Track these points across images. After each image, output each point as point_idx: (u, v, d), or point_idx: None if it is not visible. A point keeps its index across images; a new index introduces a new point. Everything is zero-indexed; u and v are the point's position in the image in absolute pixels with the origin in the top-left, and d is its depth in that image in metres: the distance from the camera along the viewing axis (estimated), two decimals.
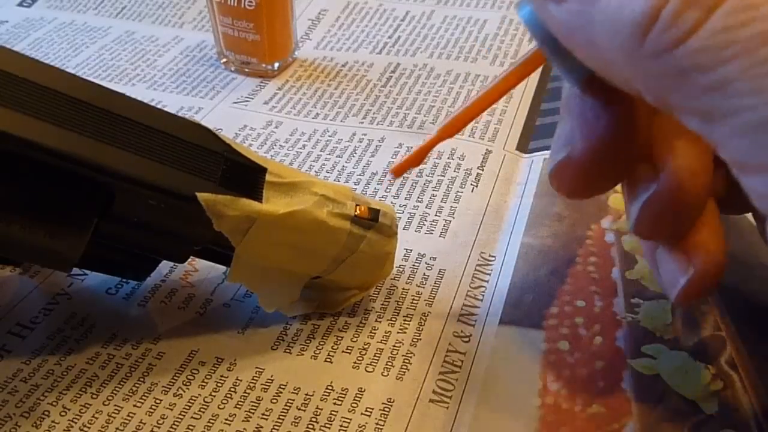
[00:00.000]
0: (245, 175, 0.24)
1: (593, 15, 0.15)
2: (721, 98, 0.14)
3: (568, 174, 0.21)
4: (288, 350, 0.26)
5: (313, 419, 0.24)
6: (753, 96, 0.13)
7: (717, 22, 0.14)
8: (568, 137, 0.21)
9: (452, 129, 0.22)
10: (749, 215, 0.29)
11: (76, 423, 0.23)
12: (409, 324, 0.27)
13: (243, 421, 0.23)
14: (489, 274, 0.29)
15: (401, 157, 0.24)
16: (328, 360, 0.26)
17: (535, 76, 0.42)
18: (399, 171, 0.24)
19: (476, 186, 0.34)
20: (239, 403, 0.24)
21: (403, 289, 0.28)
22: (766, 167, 0.14)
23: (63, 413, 0.24)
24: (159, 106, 0.38)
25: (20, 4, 0.49)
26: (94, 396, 0.24)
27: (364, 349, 0.26)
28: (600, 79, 0.18)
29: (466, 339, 0.26)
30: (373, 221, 0.25)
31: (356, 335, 0.26)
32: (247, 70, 0.42)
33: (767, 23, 0.13)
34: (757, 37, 0.13)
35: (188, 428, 0.23)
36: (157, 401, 0.24)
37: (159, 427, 0.23)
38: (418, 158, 0.23)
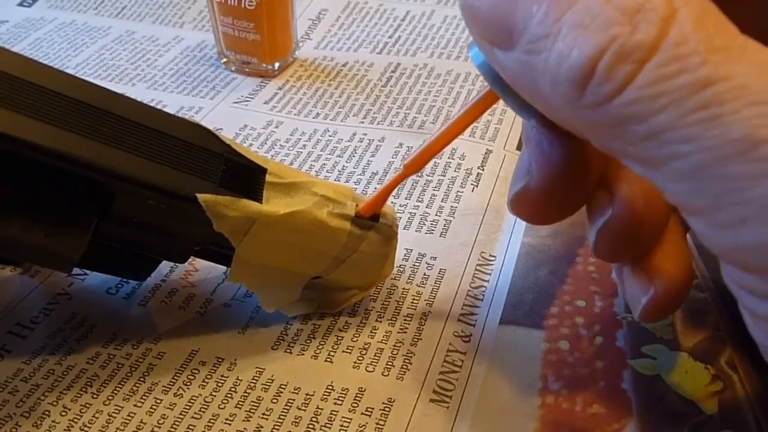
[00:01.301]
0: (245, 176, 0.24)
1: (536, 66, 0.16)
2: (657, 146, 0.14)
3: (527, 203, 0.22)
4: (288, 350, 0.26)
5: (314, 419, 0.24)
6: (685, 144, 0.14)
7: (648, 75, 0.14)
8: (526, 167, 0.21)
9: (418, 164, 0.24)
10: None
11: (76, 423, 0.23)
12: (409, 324, 0.27)
13: (243, 420, 0.24)
14: (489, 274, 0.29)
15: (368, 199, 0.25)
16: (329, 360, 0.26)
17: None
18: (368, 209, 0.25)
19: (476, 186, 0.34)
20: (240, 402, 0.24)
21: (404, 289, 0.28)
22: (702, 211, 0.14)
23: (63, 413, 0.24)
24: (159, 106, 0.38)
25: (20, 4, 0.49)
26: (95, 396, 0.24)
27: (365, 348, 0.26)
28: None
29: (466, 339, 0.26)
30: (374, 221, 0.25)
31: (356, 335, 0.26)
32: (247, 70, 0.42)
33: (694, 74, 0.14)
34: (686, 88, 0.14)
35: (189, 428, 0.23)
36: (158, 401, 0.24)
37: (159, 427, 0.23)
38: (385, 195, 0.25)
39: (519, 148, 0.36)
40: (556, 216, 0.23)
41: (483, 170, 0.35)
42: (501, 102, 0.38)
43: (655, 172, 0.15)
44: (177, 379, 0.25)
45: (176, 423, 0.23)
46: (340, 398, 0.24)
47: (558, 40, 0.15)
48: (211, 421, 0.23)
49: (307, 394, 0.24)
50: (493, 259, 0.30)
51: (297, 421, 0.24)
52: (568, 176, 0.21)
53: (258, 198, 0.24)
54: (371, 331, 0.27)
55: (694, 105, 0.14)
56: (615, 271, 0.24)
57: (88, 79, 0.23)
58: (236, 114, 0.39)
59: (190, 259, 0.28)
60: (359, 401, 0.24)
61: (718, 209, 0.14)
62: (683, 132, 0.14)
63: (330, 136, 0.37)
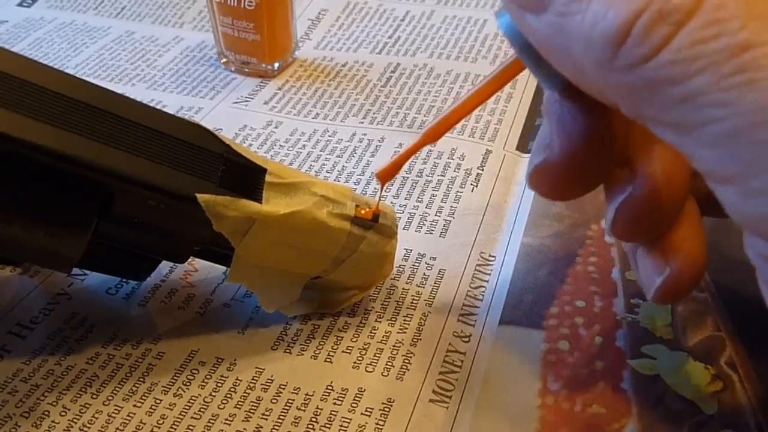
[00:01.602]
0: (245, 176, 0.24)
1: (569, 28, 0.16)
2: (691, 110, 0.14)
3: (546, 177, 0.22)
4: (288, 350, 0.26)
5: (313, 419, 0.24)
6: (720, 108, 0.14)
7: (686, 37, 0.14)
8: (546, 140, 0.21)
9: (437, 132, 0.23)
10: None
11: (76, 423, 0.23)
12: (409, 324, 0.27)
13: (243, 421, 0.24)
14: (489, 274, 0.29)
15: (386, 162, 0.24)
16: (328, 360, 0.26)
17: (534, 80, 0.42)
18: (386, 175, 0.24)
19: (476, 186, 0.34)
20: (239, 403, 0.24)
21: (403, 289, 0.28)
22: (734, 178, 0.14)
23: (63, 413, 0.24)
24: (159, 106, 0.38)
25: (20, 4, 0.49)
26: (94, 396, 0.24)
27: (364, 349, 0.26)
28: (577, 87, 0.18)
29: (466, 339, 0.26)
30: (373, 221, 0.25)
31: (356, 335, 0.26)
32: (247, 70, 0.42)
33: (733, 38, 0.14)
34: (724, 51, 0.14)
35: (188, 428, 0.23)
36: (157, 401, 0.24)
37: (159, 427, 0.23)
38: (403, 160, 0.24)
39: (519, 148, 0.36)
40: (574, 191, 0.22)
41: (483, 170, 0.35)
42: (501, 102, 0.38)
43: (687, 138, 0.15)
44: (176, 380, 0.25)
45: (176, 423, 0.23)
46: (340, 398, 0.24)
47: (593, 1, 0.15)
48: (211, 421, 0.23)
49: (306, 395, 0.24)
50: (493, 259, 0.30)
51: (296, 421, 0.24)
52: (589, 150, 0.20)
53: (258, 198, 0.24)
54: (371, 331, 0.27)
55: (731, 69, 0.14)
56: (628, 253, 0.24)
57: (87, 79, 0.23)
58: (236, 114, 0.39)
59: (189, 259, 0.28)
60: (359, 401, 0.24)
61: (751, 176, 0.14)
62: (719, 96, 0.14)
63: (330, 136, 0.37)
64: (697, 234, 0.22)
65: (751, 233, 0.15)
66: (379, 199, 0.26)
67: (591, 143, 0.20)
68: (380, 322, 0.27)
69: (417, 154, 0.35)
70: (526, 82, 0.41)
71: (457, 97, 0.40)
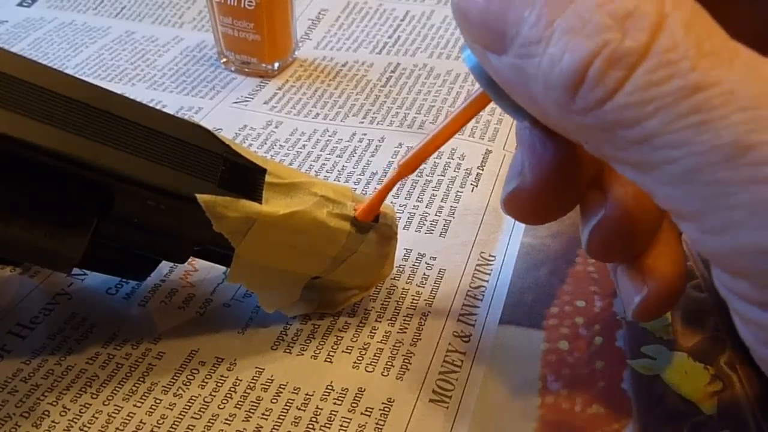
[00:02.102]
0: (245, 176, 0.24)
1: (528, 69, 0.16)
2: (648, 151, 0.14)
3: (520, 203, 0.22)
4: (288, 350, 0.26)
5: (313, 419, 0.24)
6: (676, 149, 0.14)
7: (639, 80, 0.14)
8: (518, 168, 0.21)
9: (412, 166, 0.24)
10: None
11: (76, 423, 0.23)
12: (409, 324, 0.27)
13: (243, 421, 0.24)
14: (489, 274, 0.29)
15: (365, 203, 0.25)
16: (328, 360, 0.26)
17: None
18: (366, 214, 0.25)
19: (476, 186, 0.34)
20: (239, 402, 0.24)
21: (403, 288, 0.28)
22: (694, 216, 0.14)
23: (63, 413, 0.24)
24: (159, 106, 0.38)
25: (20, 4, 0.49)
26: (94, 396, 0.24)
27: (364, 348, 0.26)
28: None
29: (466, 339, 0.26)
30: (373, 222, 0.25)
31: (356, 335, 0.26)
32: (247, 70, 0.42)
33: (685, 79, 0.14)
34: (677, 93, 0.14)
35: (188, 428, 0.23)
36: (157, 401, 0.24)
37: (159, 427, 0.23)
38: (380, 198, 0.25)
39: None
40: (548, 216, 0.23)
41: (483, 170, 0.35)
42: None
43: (646, 177, 0.15)
44: (176, 379, 0.25)
45: (176, 423, 0.23)
46: (340, 398, 0.24)
47: (550, 44, 0.15)
48: (211, 421, 0.24)
49: (306, 394, 0.24)
50: (493, 259, 0.30)
51: (296, 421, 0.24)
52: (560, 176, 0.21)
53: (257, 198, 0.24)
54: (371, 331, 0.27)
55: (684, 110, 0.14)
56: (610, 270, 0.24)
57: (87, 79, 0.23)
58: (236, 114, 0.39)
59: (189, 259, 0.28)
60: (359, 401, 0.24)
61: (708, 214, 0.14)
62: (673, 137, 0.14)
63: (330, 136, 0.37)
64: (674, 252, 0.22)
65: (715, 267, 0.15)
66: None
67: (562, 169, 0.21)
68: (380, 322, 0.27)
69: None
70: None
71: (457, 96, 0.40)
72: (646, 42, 0.14)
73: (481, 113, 0.37)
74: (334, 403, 0.24)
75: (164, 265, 0.28)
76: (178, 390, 0.24)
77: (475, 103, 0.21)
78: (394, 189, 0.33)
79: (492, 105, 0.21)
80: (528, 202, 0.22)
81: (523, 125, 0.21)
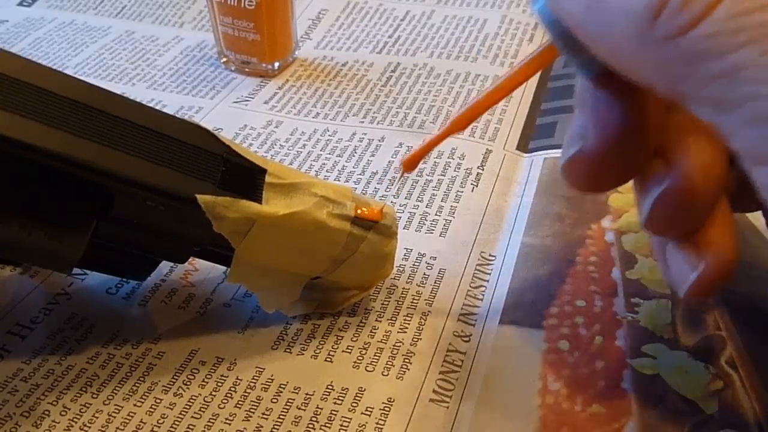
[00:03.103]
0: (245, 177, 0.24)
1: (606, 2, 0.15)
2: (732, 86, 0.14)
3: (581, 168, 0.21)
4: (288, 350, 0.26)
5: (313, 419, 0.24)
6: (764, 84, 0.13)
7: (727, 8, 0.13)
8: (581, 131, 0.21)
9: (466, 120, 0.23)
10: (750, 215, 0.29)
11: (76, 422, 0.23)
12: (409, 324, 0.27)
13: (243, 420, 0.24)
14: (489, 274, 0.29)
15: (410, 151, 0.24)
16: (329, 360, 0.26)
17: (535, 76, 0.42)
18: (410, 163, 0.24)
19: (476, 186, 0.34)
20: (239, 402, 0.24)
21: (404, 288, 0.28)
22: None
23: (63, 413, 0.24)
24: (159, 106, 0.38)
25: (20, 4, 0.49)
26: (95, 396, 0.24)
27: (364, 348, 0.26)
28: (613, 73, 0.18)
29: (466, 339, 0.26)
30: (373, 222, 0.25)
31: (356, 335, 0.26)
32: (247, 69, 0.42)
33: None
34: None
35: (188, 428, 0.23)
36: (158, 401, 0.24)
37: (159, 427, 0.23)
38: (429, 148, 0.24)
39: (519, 148, 0.36)
40: (609, 182, 0.22)
41: (483, 170, 0.35)
42: (501, 102, 0.37)
43: (726, 116, 0.14)
44: (177, 379, 0.25)
45: (176, 423, 0.23)
46: (340, 398, 0.24)
47: None
48: (211, 420, 0.24)
49: (306, 394, 0.24)
50: (493, 258, 0.30)
51: (297, 420, 0.24)
52: (625, 140, 0.20)
53: (258, 199, 0.24)
54: (371, 331, 0.27)
55: None
56: (656, 247, 0.23)
57: (87, 79, 0.23)
58: (236, 114, 0.39)
59: (189, 259, 0.28)
60: (359, 401, 0.24)
61: None
62: (762, 71, 0.13)
63: (330, 135, 0.37)
64: (730, 228, 0.21)
65: None
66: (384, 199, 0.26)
67: (627, 133, 0.20)
68: (380, 322, 0.27)
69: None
70: (527, 82, 0.41)
71: (458, 96, 0.40)
72: None
73: (494, 105, 0.36)
74: (334, 403, 0.24)
75: (164, 265, 0.28)
76: (178, 390, 0.24)
77: (541, 55, 0.20)
78: (394, 189, 0.33)
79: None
80: (590, 168, 0.21)
81: (585, 87, 0.20)
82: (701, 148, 0.20)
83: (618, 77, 0.18)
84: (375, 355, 0.26)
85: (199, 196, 0.22)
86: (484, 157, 0.35)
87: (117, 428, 0.23)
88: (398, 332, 0.27)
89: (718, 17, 0.14)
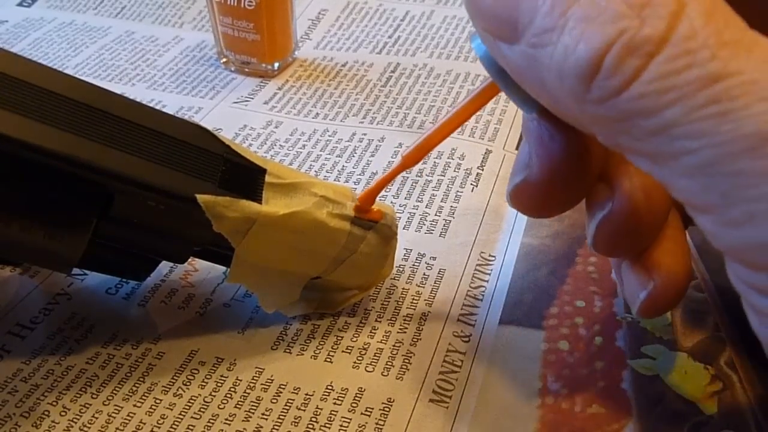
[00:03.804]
0: (245, 176, 0.24)
1: (541, 59, 0.15)
2: (665, 142, 0.14)
3: (527, 196, 0.22)
4: (288, 350, 0.26)
5: (313, 419, 0.24)
6: (694, 140, 0.14)
7: (656, 69, 0.14)
8: (525, 160, 0.21)
9: (415, 157, 0.23)
10: None
11: (76, 423, 0.23)
12: (409, 324, 0.27)
13: (243, 420, 0.24)
14: (489, 274, 0.29)
15: (363, 189, 0.25)
16: (328, 360, 0.26)
17: None
18: (366, 200, 0.25)
19: (476, 186, 0.34)
20: (239, 402, 0.24)
21: (403, 289, 0.28)
22: (712, 208, 0.14)
23: (63, 413, 0.24)
24: (159, 106, 0.38)
25: (20, 4, 0.49)
26: (94, 396, 0.24)
27: (364, 348, 0.26)
28: None
29: (466, 339, 0.26)
30: (374, 222, 0.25)
31: (356, 335, 0.26)
32: (247, 70, 0.42)
33: (704, 68, 0.14)
34: (696, 83, 0.14)
35: (188, 428, 0.23)
36: (157, 401, 0.24)
37: (159, 427, 0.23)
38: (379, 188, 0.25)
39: (519, 148, 0.36)
40: (555, 209, 0.22)
41: (483, 170, 0.35)
42: (501, 101, 0.37)
43: (663, 168, 0.15)
44: (176, 379, 0.25)
45: (176, 423, 0.23)
46: (340, 398, 0.24)
47: (564, 33, 0.15)
48: (211, 421, 0.23)
49: (306, 394, 0.24)
50: (493, 259, 0.30)
51: (296, 421, 0.24)
52: (568, 168, 0.21)
53: (257, 198, 0.24)
54: (371, 331, 0.27)
55: (704, 100, 0.14)
56: (613, 267, 0.24)
57: (87, 79, 0.23)
58: (236, 114, 0.39)
59: (189, 259, 0.28)
60: (359, 401, 0.24)
61: (727, 206, 0.14)
62: (693, 127, 0.14)
63: (329, 136, 0.37)
64: (680, 247, 0.22)
65: (731, 261, 0.15)
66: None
67: (570, 161, 0.20)
68: (380, 322, 0.27)
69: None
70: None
71: (457, 96, 0.40)
72: (665, 30, 0.14)
73: (480, 113, 0.37)
74: (334, 403, 0.24)
75: (164, 265, 0.28)
76: (178, 390, 0.24)
77: (483, 93, 0.21)
78: (394, 189, 0.33)
79: (492, 104, 0.21)
80: (535, 195, 0.21)
81: (530, 117, 0.21)
82: (642, 172, 0.21)
83: None
84: (375, 356, 0.26)
85: (198, 196, 0.22)
86: (484, 157, 0.35)
87: (117, 428, 0.23)
88: (398, 332, 0.27)
89: (648, 79, 0.14)
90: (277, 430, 0.23)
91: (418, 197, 0.33)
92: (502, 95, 0.20)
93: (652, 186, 0.21)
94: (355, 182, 0.34)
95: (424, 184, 0.34)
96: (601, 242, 0.22)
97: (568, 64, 0.15)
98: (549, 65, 0.15)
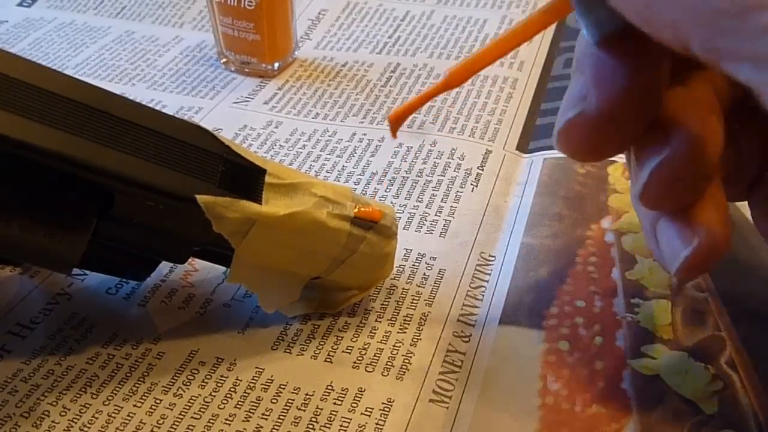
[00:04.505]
0: (245, 177, 0.24)
1: None
2: None
3: (579, 132, 0.21)
4: (288, 350, 0.26)
5: (313, 419, 0.24)
6: None
7: None
8: (580, 95, 0.20)
9: (464, 74, 0.21)
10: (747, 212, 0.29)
11: (76, 423, 0.23)
12: (409, 324, 0.27)
13: (243, 421, 0.24)
14: (489, 274, 0.29)
15: (400, 105, 0.23)
16: (328, 360, 0.26)
17: (535, 75, 0.42)
18: (398, 118, 0.23)
19: (476, 186, 0.34)
20: (239, 403, 0.24)
21: (403, 289, 0.28)
22: None
23: (63, 413, 0.24)
24: (159, 107, 0.38)
25: (20, 4, 0.49)
26: (94, 396, 0.24)
27: (364, 349, 0.26)
28: (620, 35, 0.17)
29: (466, 339, 0.26)
30: (373, 222, 0.25)
31: (356, 335, 0.26)
32: (247, 70, 0.42)
33: None
34: None
35: (188, 428, 0.23)
36: (157, 401, 0.24)
37: (159, 427, 0.23)
38: (421, 102, 0.22)
39: (519, 148, 0.36)
40: (606, 149, 0.21)
41: (483, 170, 0.35)
42: (500, 102, 0.37)
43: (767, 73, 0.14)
44: (176, 380, 0.25)
45: (176, 423, 0.23)
46: (340, 398, 0.24)
47: None
48: (211, 421, 0.23)
49: (306, 395, 0.24)
50: (493, 259, 0.30)
51: (296, 421, 0.24)
52: (628, 104, 0.19)
53: (257, 199, 0.24)
54: (371, 332, 0.27)
55: None
56: (646, 224, 0.22)
57: (87, 79, 0.23)
58: (236, 114, 0.39)
59: (189, 260, 0.28)
60: (359, 401, 0.24)
61: None
62: None
63: (330, 136, 0.37)
64: (723, 207, 0.21)
65: None
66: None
67: (630, 96, 0.19)
68: (380, 322, 0.27)
69: (418, 152, 0.35)
70: (527, 82, 0.41)
71: (457, 96, 0.40)
72: None
73: (480, 113, 0.36)
74: (334, 403, 0.24)
75: (164, 265, 0.28)
76: (178, 390, 0.24)
77: (550, 10, 0.19)
78: (394, 189, 0.33)
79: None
80: (588, 132, 0.20)
81: (588, 50, 0.20)
82: (702, 121, 0.20)
83: (624, 39, 0.17)
84: (375, 356, 0.26)
85: (198, 196, 0.22)
86: (484, 158, 0.35)
87: (117, 428, 0.23)
88: (398, 332, 0.27)
89: None
90: (277, 430, 0.23)
91: (418, 197, 0.33)
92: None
93: (710, 135, 0.20)
94: (355, 182, 0.34)
95: (424, 184, 0.34)
96: (651, 190, 0.20)
97: None
98: None
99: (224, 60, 0.42)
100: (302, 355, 0.26)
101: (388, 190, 0.33)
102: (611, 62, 0.19)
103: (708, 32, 0.14)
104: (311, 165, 0.35)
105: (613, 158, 0.32)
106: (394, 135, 0.23)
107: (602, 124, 0.20)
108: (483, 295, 0.28)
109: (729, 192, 0.24)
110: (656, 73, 0.19)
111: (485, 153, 0.36)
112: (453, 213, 0.32)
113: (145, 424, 0.23)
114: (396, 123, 0.22)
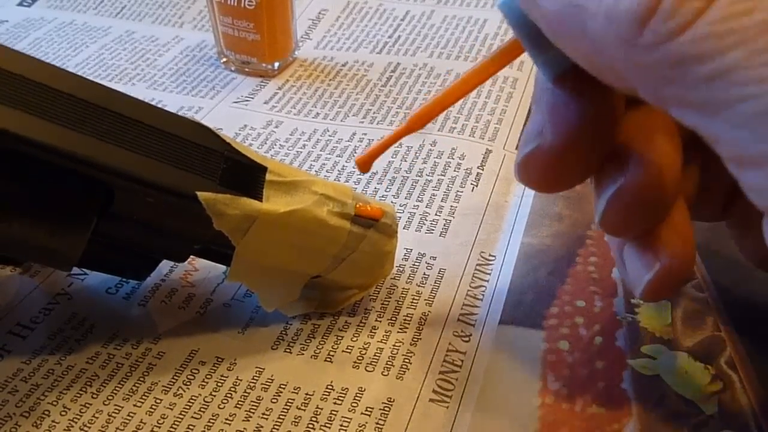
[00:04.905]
0: (245, 174, 0.24)
1: (586, 5, 0.15)
2: (721, 89, 0.14)
3: (537, 165, 0.21)
4: (288, 350, 0.26)
5: (313, 419, 0.24)
6: (754, 85, 0.13)
7: (718, 12, 0.14)
8: (537, 129, 0.20)
9: (422, 120, 0.22)
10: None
11: (76, 422, 0.23)
12: (409, 323, 0.27)
13: (243, 420, 0.24)
14: (489, 274, 0.29)
15: (365, 150, 0.23)
16: (328, 360, 0.26)
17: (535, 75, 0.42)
18: (365, 162, 0.23)
19: (476, 185, 0.34)
20: (239, 402, 0.24)
21: (403, 288, 0.28)
22: (763, 160, 0.14)
23: (63, 413, 0.24)
24: (159, 106, 0.38)
25: (20, 4, 0.49)
26: (95, 396, 0.24)
27: (364, 348, 0.26)
28: (574, 73, 0.18)
29: (466, 339, 0.26)
30: (374, 220, 0.25)
31: (356, 335, 0.26)
32: (247, 69, 0.42)
33: (767, 12, 0.13)
34: (759, 26, 0.13)
35: (188, 428, 0.23)
36: (158, 401, 0.24)
37: (159, 427, 0.23)
38: (385, 147, 0.23)
39: (518, 148, 0.36)
40: (564, 181, 0.22)
41: (483, 170, 0.35)
42: (500, 102, 0.37)
43: (712, 119, 0.14)
44: (177, 379, 0.25)
45: (176, 423, 0.23)
46: (340, 398, 0.24)
47: None
48: (211, 420, 0.23)
49: (306, 394, 0.24)
50: (493, 258, 0.30)
51: (297, 420, 0.24)
52: (583, 137, 0.20)
53: (258, 196, 0.24)
54: (371, 331, 0.27)
55: (766, 44, 0.13)
56: (614, 250, 0.23)
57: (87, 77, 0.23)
58: (236, 114, 0.39)
59: (190, 259, 0.28)
60: (359, 401, 0.24)
61: None
62: (753, 72, 0.13)
63: (330, 135, 0.37)
64: (686, 228, 0.21)
65: None
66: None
67: (585, 130, 0.20)
68: (380, 321, 0.27)
69: (418, 152, 0.35)
70: (526, 82, 0.41)
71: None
72: None
73: (480, 113, 0.37)
74: (334, 403, 0.24)
75: (164, 265, 0.28)
76: (178, 390, 0.24)
77: (503, 53, 0.20)
78: (394, 189, 0.33)
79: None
80: (546, 166, 0.21)
81: (544, 86, 0.20)
82: (658, 146, 0.20)
83: (578, 77, 0.17)
84: (375, 355, 0.26)
85: (199, 193, 0.22)
86: (484, 157, 0.35)
87: (117, 428, 0.23)
88: (398, 332, 0.27)
89: (709, 21, 0.14)
90: (277, 429, 0.23)
91: (418, 197, 0.33)
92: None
93: (666, 162, 0.20)
94: (355, 182, 0.34)
95: (424, 183, 0.34)
96: (610, 218, 0.21)
97: (620, 7, 0.14)
98: (595, 10, 0.15)
99: (224, 60, 0.42)
100: (302, 354, 0.26)
101: (388, 189, 0.33)
102: (565, 98, 0.20)
103: (653, 82, 0.15)
104: (311, 165, 0.35)
105: None
106: (364, 171, 0.24)
107: (558, 157, 0.20)
108: (483, 295, 0.28)
109: (704, 213, 0.24)
110: (609, 107, 0.20)
111: (485, 152, 0.36)
112: (453, 213, 0.32)
113: (145, 423, 0.23)
114: (363, 166, 0.23)
